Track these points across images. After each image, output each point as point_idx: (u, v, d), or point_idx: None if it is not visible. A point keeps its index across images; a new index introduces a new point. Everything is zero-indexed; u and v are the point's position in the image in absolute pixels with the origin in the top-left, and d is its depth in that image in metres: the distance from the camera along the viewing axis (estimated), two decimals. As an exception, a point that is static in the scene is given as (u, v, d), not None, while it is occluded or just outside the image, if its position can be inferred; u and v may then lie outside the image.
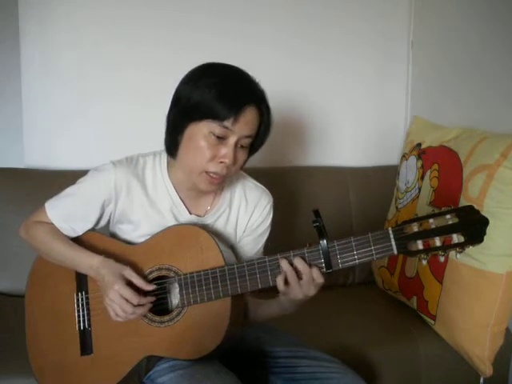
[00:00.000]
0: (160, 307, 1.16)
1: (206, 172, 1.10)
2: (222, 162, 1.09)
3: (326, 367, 1.17)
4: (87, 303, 1.18)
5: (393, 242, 1.01)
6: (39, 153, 1.95)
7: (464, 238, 0.97)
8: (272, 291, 1.13)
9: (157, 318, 1.14)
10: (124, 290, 1.07)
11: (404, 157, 1.94)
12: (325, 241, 1.04)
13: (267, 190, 1.29)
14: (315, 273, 1.04)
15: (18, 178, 1.84)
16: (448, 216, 0.98)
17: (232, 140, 1.08)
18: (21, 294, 1.50)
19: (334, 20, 2.12)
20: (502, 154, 1.40)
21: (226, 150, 1.09)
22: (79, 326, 1.18)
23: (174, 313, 1.13)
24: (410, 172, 1.84)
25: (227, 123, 1.06)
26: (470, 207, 0.99)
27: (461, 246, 0.98)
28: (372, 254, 1.02)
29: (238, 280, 1.09)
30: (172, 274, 1.14)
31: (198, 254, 1.13)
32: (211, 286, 1.10)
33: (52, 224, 1.20)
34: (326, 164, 2.16)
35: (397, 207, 1.91)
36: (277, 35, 2.06)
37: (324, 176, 2.07)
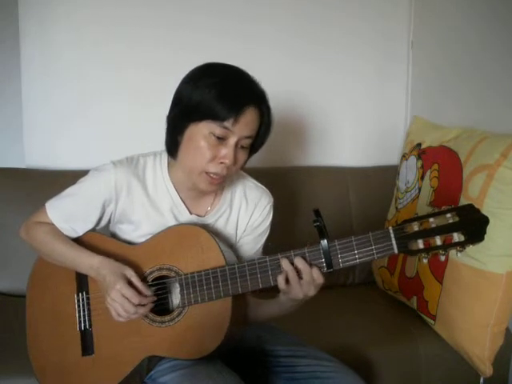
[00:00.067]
0: (161, 307, 1.16)
1: (206, 172, 1.10)
2: (222, 163, 1.09)
3: (325, 366, 1.17)
4: (88, 303, 1.18)
5: (393, 242, 1.01)
6: (39, 153, 1.95)
7: (464, 237, 0.97)
8: (272, 291, 1.14)
9: (158, 318, 1.14)
10: (126, 289, 1.07)
11: (404, 157, 1.94)
12: (325, 240, 1.04)
13: (267, 190, 1.30)
14: (315, 273, 1.05)
15: (18, 178, 1.84)
16: (448, 215, 0.98)
17: (232, 141, 1.08)
18: (21, 294, 1.50)
19: (334, 20, 2.12)
20: (502, 154, 1.40)
21: (226, 151, 1.08)
22: (80, 327, 1.18)
23: (175, 313, 1.13)
24: (410, 172, 1.84)
25: (227, 124, 1.06)
26: (470, 206, 0.99)
27: (461, 245, 0.98)
28: (373, 254, 1.02)
29: (238, 280, 1.09)
30: (173, 274, 1.14)
31: (198, 253, 1.13)
32: (212, 285, 1.10)
33: (52, 224, 1.19)
34: (326, 164, 2.16)
35: (397, 207, 1.91)
36: (277, 35, 2.06)
37: (324, 176, 2.07)
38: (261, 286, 1.09)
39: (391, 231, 1.01)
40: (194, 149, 1.10)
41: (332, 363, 1.18)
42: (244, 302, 1.25)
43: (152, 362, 1.16)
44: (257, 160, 1.25)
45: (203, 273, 1.11)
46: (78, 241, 1.20)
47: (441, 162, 1.65)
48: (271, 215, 1.29)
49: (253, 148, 1.16)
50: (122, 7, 1.91)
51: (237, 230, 1.26)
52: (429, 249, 0.99)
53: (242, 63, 1.14)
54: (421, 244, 1.00)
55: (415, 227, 1.00)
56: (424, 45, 2.10)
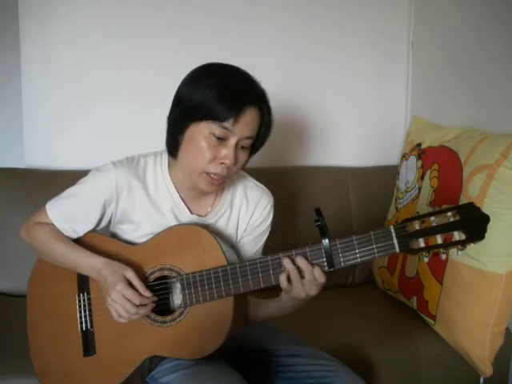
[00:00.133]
0: (162, 307, 1.16)
1: (207, 173, 1.10)
2: (222, 163, 1.09)
3: (324, 366, 1.17)
4: (89, 304, 1.18)
5: (395, 241, 1.01)
6: (39, 153, 1.95)
7: (465, 236, 0.98)
8: (274, 291, 1.14)
9: (159, 318, 1.14)
10: (126, 290, 1.07)
11: (404, 157, 1.94)
12: (327, 239, 1.04)
13: (268, 190, 1.30)
14: (317, 272, 1.05)
15: (18, 178, 1.84)
16: (449, 214, 0.99)
17: (232, 141, 1.08)
18: (21, 293, 1.50)
19: (334, 20, 2.12)
20: (502, 154, 1.40)
21: (227, 151, 1.08)
22: (82, 327, 1.17)
23: (177, 313, 1.13)
24: (410, 172, 1.84)
25: (227, 124, 1.06)
26: (471, 204, 1.00)
27: (462, 244, 0.98)
28: (374, 253, 1.03)
29: (240, 279, 1.09)
30: (174, 274, 1.14)
31: (199, 253, 1.13)
32: (213, 285, 1.10)
33: (53, 225, 1.19)
34: (326, 164, 2.16)
35: (397, 207, 1.91)
36: (277, 35, 2.06)
37: (324, 176, 2.07)
38: (262, 286, 1.09)
39: (392, 230, 1.02)
40: (194, 149, 1.10)
41: (331, 362, 1.18)
42: (245, 302, 1.25)
43: (153, 361, 1.16)
44: (257, 160, 1.25)
45: (204, 273, 1.11)
46: (79, 241, 1.20)
47: (441, 161, 1.65)
48: (272, 215, 1.29)
49: (253, 148, 1.16)
50: (122, 7, 1.91)
51: (237, 229, 1.26)
52: (430, 247, 1.00)
53: (242, 63, 1.14)
54: (422, 243, 1.00)
55: (416, 226, 1.00)
56: (424, 45, 2.10)
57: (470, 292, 1.46)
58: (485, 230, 0.98)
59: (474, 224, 0.98)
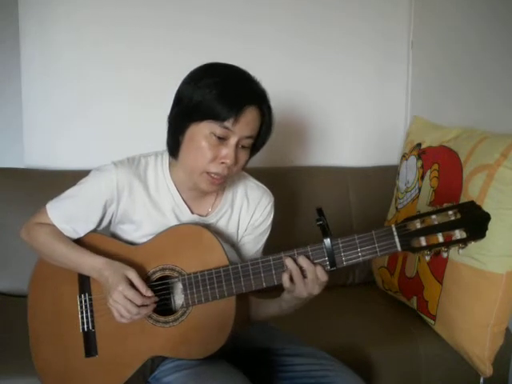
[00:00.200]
0: (164, 307, 1.15)
1: (207, 172, 1.10)
2: (223, 163, 1.09)
3: (325, 365, 1.17)
4: (90, 305, 1.17)
5: (396, 239, 1.02)
6: (39, 153, 1.95)
7: (466, 234, 0.98)
8: (274, 291, 1.14)
9: (161, 319, 1.14)
10: (128, 290, 1.06)
11: (404, 157, 1.94)
12: (329, 239, 1.05)
13: (268, 190, 1.30)
14: (319, 271, 1.05)
15: (18, 178, 1.84)
16: (450, 212, 0.99)
17: (233, 140, 1.08)
18: (21, 293, 1.51)
19: (334, 20, 2.12)
20: (502, 154, 1.40)
21: (227, 151, 1.09)
22: (83, 328, 1.17)
23: (179, 313, 1.13)
24: (410, 172, 1.84)
25: (227, 124, 1.06)
26: (472, 203, 1.00)
27: (463, 242, 0.99)
28: (376, 252, 1.03)
29: (242, 279, 1.09)
30: (176, 274, 1.14)
31: (201, 253, 1.13)
32: (215, 285, 1.10)
33: (53, 225, 1.19)
34: (327, 164, 2.16)
35: (397, 207, 1.91)
36: (277, 35, 2.06)
37: (324, 176, 2.07)
38: (264, 285, 1.09)
39: (394, 229, 1.02)
40: (195, 149, 1.10)
41: (332, 362, 1.18)
42: (246, 302, 1.25)
43: (155, 361, 1.16)
44: (257, 160, 1.25)
45: (206, 272, 1.11)
46: (80, 242, 1.19)
47: (441, 161, 1.65)
48: (272, 215, 1.29)
49: (254, 148, 1.16)
50: (122, 7, 1.91)
51: (238, 229, 1.26)
52: (431, 246, 1.00)
53: (242, 63, 1.14)
54: (423, 241, 1.00)
55: (417, 225, 1.00)
56: (424, 45, 2.10)
57: (469, 292, 1.46)
58: (486, 229, 0.99)
59: (475, 222, 0.98)
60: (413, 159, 1.84)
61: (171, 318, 1.13)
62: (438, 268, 1.55)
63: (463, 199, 1.47)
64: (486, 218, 0.99)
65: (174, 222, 1.19)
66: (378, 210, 2.02)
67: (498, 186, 1.40)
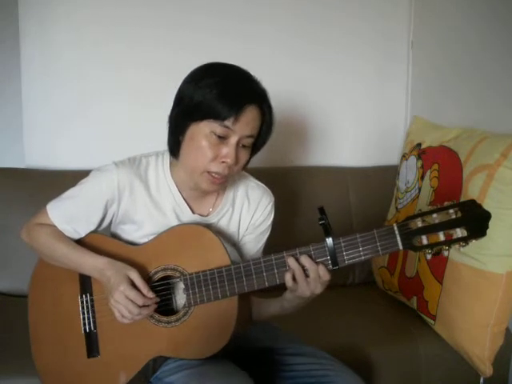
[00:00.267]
0: (166, 307, 1.15)
1: (208, 172, 1.10)
2: (223, 162, 1.09)
3: (325, 365, 1.17)
4: (92, 305, 1.17)
5: (398, 238, 1.02)
6: (39, 153, 1.95)
7: (467, 232, 0.99)
8: (276, 290, 1.14)
9: (164, 319, 1.13)
10: (129, 291, 1.06)
11: (404, 157, 1.94)
12: (330, 238, 1.05)
13: (269, 190, 1.30)
14: (321, 270, 1.05)
15: (18, 178, 1.84)
16: (451, 211, 1.00)
17: (233, 140, 1.08)
18: (21, 293, 1.50)
19: (334, 20, 2.12)
20: (502, 154, 1.40)
21: (228, 150, 1.09)
22: (85, 329, 1.17)
23: (181, 313, 1.13)
24: (410, 172, 1.84)
25: (228, 123, 1.06)
26: (472, 201, 1.01)
27: (464, 240, 0.99)
28: (378, 250, 1.04)
29: (244, 279, 1.09)
30: (177, 274, 1.14)
31: (202, 253, 1.13)
32: (218, 285, 1.10)
33: (54, 226, 1.19)
34: (327, 164, 2.16)
35: (397, 207, 1.91)
36: (277, 35, 2.06)
37: (324, 176, 2.07)
38: (267, 285, 1.09)
39: (395, 228, 1.02)
40: (195, 148, 1.10)
41: (332, 362, 1.18)
42: (248, 301, 1.25)
43: (157, 361, 1.16)
44: (258, 160, 1.25)
45: (208, 272, 1.11)
46: (80, 242, 1.19)
47: (441, 161, 1.65)
48: (272, 214, 1.29)
49: (255, 147, 1.16)
50: (122, 7, 1.91)
51: (239, 229, 1.26)
52: (433, 244, 1.00)
53: (242, 63, 1.15)
54: (425, 240, 1.01)
55: (419, 223, 1.01)
56: (424, 45, 2.10)
57: (470, 292, 1.46)
58: (486, 227, 0.99)
59: (476, 221, 0.99)
60: (413, 159, 1.84)
61: (173, 318, 1.13)
62: (438, 268, 1.55)
63: (463, 199, 1.46)
64: (487, 216, 1.00)
65: (174, 222, 1.19)
66: (377, 210, 2.02)
67: (498, 186, 1.40)
